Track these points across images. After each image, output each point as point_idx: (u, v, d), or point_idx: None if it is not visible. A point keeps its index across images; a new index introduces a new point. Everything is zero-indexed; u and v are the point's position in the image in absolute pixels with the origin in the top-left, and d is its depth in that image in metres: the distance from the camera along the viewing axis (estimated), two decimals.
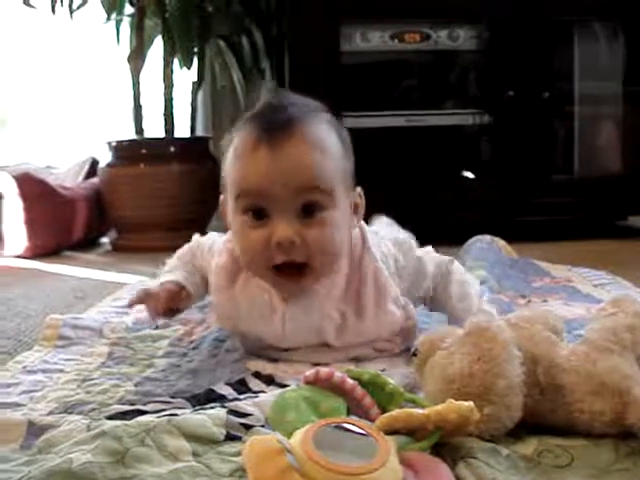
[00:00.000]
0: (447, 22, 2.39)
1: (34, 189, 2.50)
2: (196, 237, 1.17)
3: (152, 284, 1.12)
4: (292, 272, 0.91)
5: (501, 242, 1.81)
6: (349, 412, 0.64)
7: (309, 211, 0.90)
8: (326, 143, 0.92)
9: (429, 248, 1.10)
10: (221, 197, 1.01)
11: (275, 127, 0.90)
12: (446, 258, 1.08)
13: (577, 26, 2.48)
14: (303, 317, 0.96)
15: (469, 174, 2.47)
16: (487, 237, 1.78)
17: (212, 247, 1.09)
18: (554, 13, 2.38)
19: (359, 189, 0.99)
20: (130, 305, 1.08)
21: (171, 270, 1.12)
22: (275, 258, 0.90)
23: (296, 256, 0.90)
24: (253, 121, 0.93)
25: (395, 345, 1.02)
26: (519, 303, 1.30)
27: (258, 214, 0.91)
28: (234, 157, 0.93)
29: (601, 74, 2.50)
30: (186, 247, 1.17)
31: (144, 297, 1.05)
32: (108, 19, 2.70)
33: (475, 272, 1.45)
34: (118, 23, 2.81)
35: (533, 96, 2.38)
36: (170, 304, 1.05)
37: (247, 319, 1.00)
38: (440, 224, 2.30)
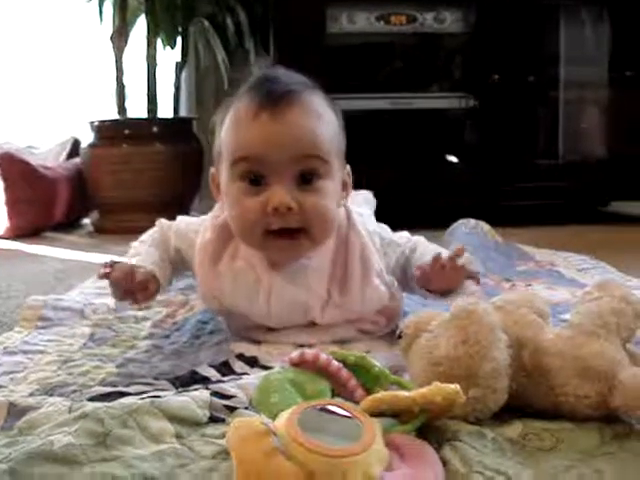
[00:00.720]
0: (433, 4, 2.39)
1: (15, 169, 2.47)
2: (162, 221, 1.12)
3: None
4: (287, 235, 0.92)
5: (486, 226, 1.81)
6: (334, 394, 0.64)
7: (306, 179, 0.91)
8: (324, 114, 0.93)
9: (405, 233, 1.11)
10: (211, 169, 1.00)
11: (276, 96, 0.90)
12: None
13: (563, 10, 2.48)
14: (289, 292, 0.96)
15: (453, 158, 2.46)
16: (472, 221, 1.78)
17: (188, 227, 1.07)
18: None
19: (348, 167, 1.00)
20: (100, 277, 1.00)
21: (139, 254, 1.07)
22: (271, 224, 0.90)
23: (292, 222, 0.90)
24: (253, 91, 0.93)
25: (379, 327, 1.03)
26: (504, 287, 1.31)
27: (255, 180, 0.91)
28: (233, 125, 0.93)
29: (587, 59, 2.50)
30: (152, 231, 1.12)
31: (117, 277, 1.00)
32: None
33: None
34: (101, 2, 2.78)
35: (519, 80, 2.38)
36: (138, 291, 1.00)
37: (232, 295, 0.99)
38: (424, 207, 2.31)
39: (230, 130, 0.93)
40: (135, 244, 1.12)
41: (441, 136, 2.49)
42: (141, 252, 1.06)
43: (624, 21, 2.44)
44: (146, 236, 1.12)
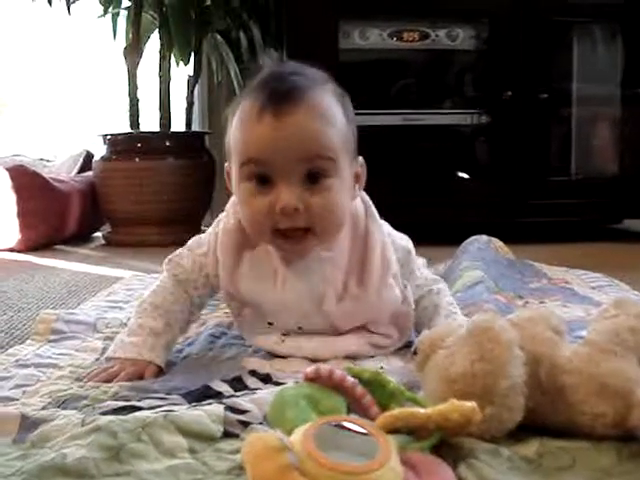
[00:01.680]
0: (446, 21, 2.39)
1: (27, 181, 2.48)
2: (171, 261, 1.06)
3: (115, 352, 0.98)
4: (295, 235, 0.92)
5: (498, 243, 1.80)
6: (349, 410, 0.63)
7: (313, 178, 0.91)
8: (330, 112, 0.92)
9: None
10: (226, 165, 1.00)
11: (280, 95, 0.90)
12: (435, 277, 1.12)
13: (576, 27, 2.48)
14: (304, 279, 0.97)
15: (465, 175, 2.46)
16: (484, 237, 1.77)
17: (200, 240, 1.06)
18: (553, 14, 2.39)
19: (361, 158, 1.00)
20: (86, 381, 0.92)
21: (143, 321, 1.00)
22: (279, 224, 0.91)
23: (299, 222, 0.91)
24: (257, 89, 0.93)
25: (392, 341, 1.02)
26: (517, 304, 1.30)
27: (262, 181, 0.91)
28: (239, 125, 0.93)
29: (599, 76, 2.50)
30: (163, 283, 1.04)
31: (129, 374, 0.94)
32: (105, 12, 2.69)
33: (472, 272, 1.45)
34: (115, 17, 2.80)
35: (531, 97, 2.37)
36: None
37: (249, 282, 0.99)
38: (437, 224, 2.30)
39: (237, 130, 0.94)
40: (146, 306, 1.02)
41: (453, 152, 2.49)
42: (156, 330, 0.99)
43: (636, 38, 2.44)
44: (157, 294, 1.03)
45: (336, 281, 0.97)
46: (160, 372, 0.96)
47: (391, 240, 1.02)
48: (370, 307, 0.99)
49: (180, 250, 1.06)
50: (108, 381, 0.91)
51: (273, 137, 0.89)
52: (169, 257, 1.06)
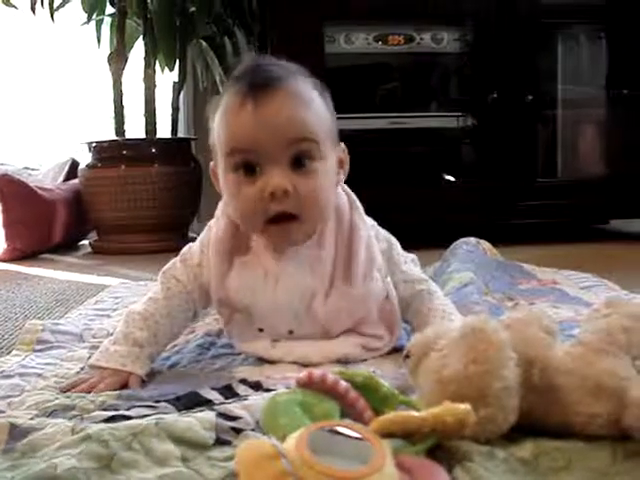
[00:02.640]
0: (430, 24, 2.39)
1: (13, 190, 2.46)
2: (166, 273, 1.04)
3: (98, 360, 0.97)
4: (285, 221, 0.93)
5: (486, 244, 1.80)
6: (342, 415, 0.63)
7: (300, 162, 0.92)
8: (308, 96, 0.94)
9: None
10: (211, 164, 1.01)
11: (258, 84, 0.91)
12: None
13: (560, 29, 2.49)
14: (294, 277, 0.98)
15: (451, 177, 2.46)
16: (472, 240, 1.77)
17: (192, 250, 1.06)
18: (537, 16, 2.39)
19: (343, 145, 1.01)
20: (65, 391, 0.91)
21: (129, 331, 0.99)
22: (269, 210, 0.91)
23: (289, 206, 0.91)
24: (237, 81, 0.94)
25: (383, 342, 1.02)
26: (507, 305, 1.30)
27: (250, 169, 0.92)
28: (221, 117, 0.94)
29: (584, 77, 2.51)
30: (156, 295, 1.02)
31: (110, 384, 0.93)
32: (89, 20, 2.67)
33: (461, 274, 1.45)
34: (99, 24, 2.79)
35: (516, 99, 2.38)
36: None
37: (240, 286, 0.99)
38: (424, 227, 2.30)
39: (219, 123, 0.95)
40: (135, 316, 1.00)
41: (440, 155, 2.49)
42: (142, 341, 0.98)
43: (620, 39, 2.45)
44: (148, 305, 1.02)
45: (324, 277, 0.98)
46: (142, 383, 0.95)
47: (375, 231, 1.04)
48: (356, 302, 0.99)
49: (173, 261, 1.06)
50: (87, 392, 0.90)
51: (255, 124, 0.90)
52: (163, 270, 1.05)
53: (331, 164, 0.96)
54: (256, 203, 0.91)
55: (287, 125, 0.91)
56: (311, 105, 0.93)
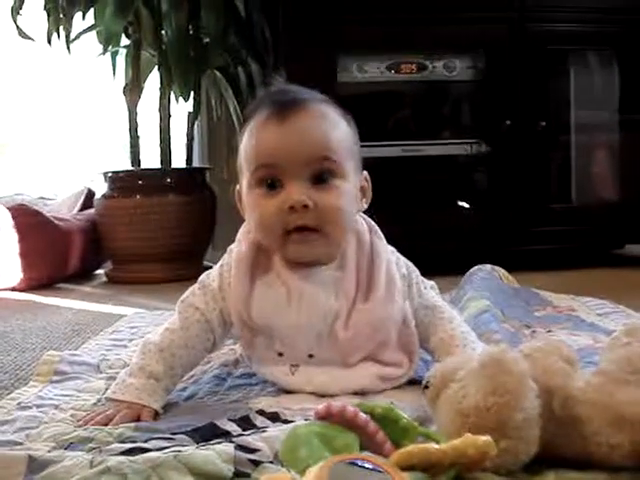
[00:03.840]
0: (443, 53, 2.40)
1: (29, 220, 2.48)
2: (184, 302, 1.04)
3: (115, 392, 0.97)
4: (305, 233, 0.94)
5: (502, 271, 1.79)
6: (362, 447, 0.62)
7: (321, 178, 0.94)
8: (334, 119, 0.97)
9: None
10: (236, 187, 1.03)
11: (283, 104, 0.95)
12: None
13: (572, 55, 2.50)
14: (318, 297, 0.98)
15: (466, 204, 2.46)
16: (488, 266, 1.77)
17: (211, 275, 1.06)
18: (549, 43, 2.40)
19: (365, 173, 1.03)
20: (81, 425, 0.91)
21: (145, 363, 0.98)
22: (289, 223, 0.93)
23: (308, 220, 0.93)
24: (262, 103, 0.98)
25: (402, 370, 1.01)
26: (524, 333, 1.29)
27: (272, 184, 0.94)
28: (247, 138, 0.98)
29: (597, 103, 2.51)
30: (172, 325, 1.02)
31: (124, 417, 0.93)
32: (105, 51, 2.70)
33: (478, 302, 1.44)
34: (114, 55, 2.82)
35: (530, 125, 2.38)
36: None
37: (262, 306, 0.99)
38: (438, 254, 2.29)
39: (245, 143, 0.98)
40: (151, 347, 1.00)
41: (453, 183, 2.49)
42: (157, 374, 0.97)
43: (632, 64, 2.45)
44: (164, 336, 1.01)
45: (347, 299, 0.98)
46: (156, 416, 0.95)
47: (395, 257, 1.04)
48: (377, 324, 0.99)
49: (192, 289, 1.05)
50: (104, 425, 0.89)
51: (278, 140, 0.93)
52: (181, 298, 1.04)
53: (353, 185, 0.98)
54: (276, 216, 0.94)
55: (309, 143, 0.93)
56: (335, 126, 0.96)
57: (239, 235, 1.05)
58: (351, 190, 0.97)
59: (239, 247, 1.02)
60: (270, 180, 0.94)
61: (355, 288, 0.99)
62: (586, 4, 2.41)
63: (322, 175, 0.94)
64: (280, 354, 1.01)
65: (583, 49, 2.50)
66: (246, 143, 0.98)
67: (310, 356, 1.00)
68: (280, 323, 0.99)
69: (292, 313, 0.98)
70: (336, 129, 0.96)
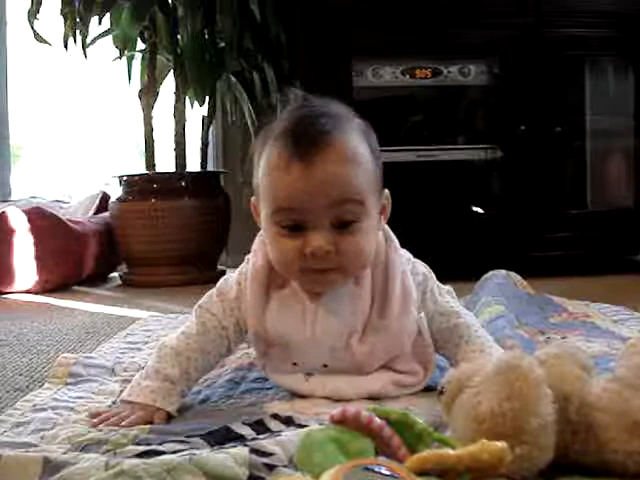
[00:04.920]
0: (457, 57, 2.40)
1: (45, 223, 2.49)
2: (202, 306, 1.04)
3: (130, 394, 0.98)
4: (324, 272, 0.93)
5: (516, 277, 1.79)
6: (377, 452, 0.62)
7: (342, 222, 0.92)
8: (357, 154, 0.93)
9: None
10: (252, 199, 1.01)
11: (306, 143, 0.91)
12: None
13: (587, 61, 2.49)
14: (334, 317, 0.97)
15: (480, 210, 2.46)
16: (502, 272, 1.76)
17: (229, 283, 1.06)
18: (564, 48, 2.39)
19: (386, 191, 1.01)
20: (95, 424, 0.92)
21: (160, 366, 0.99)
22: (308, 265, 0.92)
23: (329, 264, 0.92)
24: (285, 136, 0.93)
25: (417, 378, 1.01)
26: (539, 340, 1.28)
27: (293, 227, 0.93)
28: (268, 172, 0.94)
29: (612, 108, 2.50)
30: (190, 329, 1.02)
31: (137, 419, 0.93)
32: (121, 55, 2.72)
33: (492, 307, 1.44)
34: (130, 59, 2.83)
35: (545, 131, 2.37)
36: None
37: (278, 319, 0.99)
38: (453, 259, 2.29)
39: (266, 177, 0.94)
40: (167, 350, 1.00)
41: (468, 188, 2.49)
42: (173, 377, 0.98)
43: None
44: (181, 340, 1.01)
45: (363, 314, 0.98)
46: (169, 419, 0.95)
47: (411, 265, 1.03)
48: (392, 338, 0.99)
49: (210, 295, 1.05)
50: (116, 425, 0.90)
51: (303, 186, 0.90)
52: (199, 303, 1.05)
53: (375, 218, 0.96)
54: (295, 258, 0.92)
55: (334, 187, 0.91)
56: (358, 162, 0.93)
57: (255, 245, 1.04)
58: (373, 226, 0.96)
59: (255, 258, 1.02)
60: (291, 223, 0.92)
61: (370, 304, 0.98)
62: (601, 10, 2.40)
63: (344, 219, 0.92)
64: (294, 364, 1.02)
65: (598, 55, 2.49)
66: (266, 178, 0.94)
67: (324, 365, 1.00)
68: (295, 338, 0.99)
69: (307, 330, 0.98)
70: (359, 165, 0.93)
